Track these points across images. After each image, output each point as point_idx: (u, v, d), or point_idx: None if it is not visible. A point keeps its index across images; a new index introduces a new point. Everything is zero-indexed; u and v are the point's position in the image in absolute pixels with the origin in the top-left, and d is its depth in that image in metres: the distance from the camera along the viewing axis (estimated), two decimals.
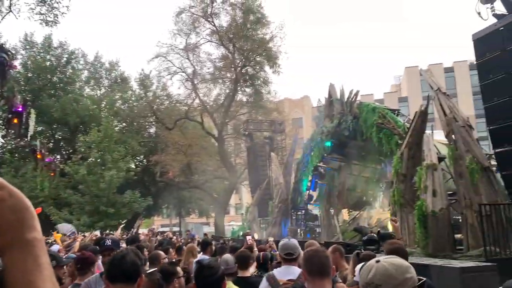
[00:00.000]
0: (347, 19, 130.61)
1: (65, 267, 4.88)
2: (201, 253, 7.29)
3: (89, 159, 28.28)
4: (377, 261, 1.66)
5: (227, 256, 6.46)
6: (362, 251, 4.72)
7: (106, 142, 27.38)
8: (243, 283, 4.49)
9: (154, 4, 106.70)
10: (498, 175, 10.66)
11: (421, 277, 1.95)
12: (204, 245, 6.92)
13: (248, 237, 7.17)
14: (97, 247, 6.25)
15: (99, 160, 27.62)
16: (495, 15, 9.36)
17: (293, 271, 4.08)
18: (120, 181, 26.76)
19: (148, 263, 4.89)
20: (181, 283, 4.13)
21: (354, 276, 3.89)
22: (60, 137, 36.47)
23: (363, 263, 3.86)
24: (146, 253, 6.09)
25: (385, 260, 1.67)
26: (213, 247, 7.69)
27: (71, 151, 33.59)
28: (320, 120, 18.64)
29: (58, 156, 34.61)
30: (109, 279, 2.23)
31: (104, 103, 35.69)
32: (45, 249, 0.78)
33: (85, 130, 31.56)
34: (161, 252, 5.34)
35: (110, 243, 5.23)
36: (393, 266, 1.64)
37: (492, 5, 9.52)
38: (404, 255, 3.84)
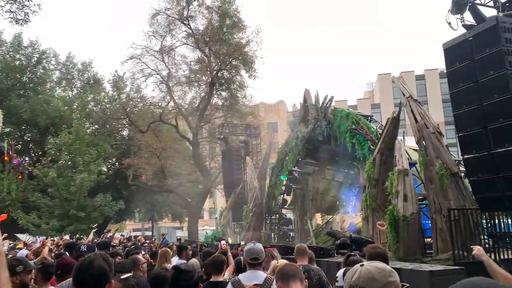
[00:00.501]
0: (324, 23, 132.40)
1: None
2: (177, 257, 7.21)
3: (59, 162, 27.57)
4: (361, 265, 1.71)
5: (193, 260, 6.44)
6: (357, 255, 4.77)
7: (77, 144, 26.76)
8: (215, 287, 4.47)
9: (128, 5, 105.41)
10: (466, 181, 10.98)
11: (404, 283, 2.01)
12: (180, 250, 6.84)
13: (222, 242, 7.13)
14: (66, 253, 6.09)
15: (69, 162, 26.97)
16: (464, 26, 9.65)
17: (259, 276, 4.10)
18: (91, 185, 26.18)
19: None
20: None
21: (337, 281, 3.93)
22: (29, 139, 35.47)
23: (344, 269, 3.91)
24: (118, 259, 5.98)
25: (370, 264, 1.72)
26: (190, 252, 7.63)
27: (40, 153, 32.70)
28: (295, 125, 18.78)
29: (27, 158, 33.64)
30: (76, 285, 2.17)
31: (76, 104, 34.92)
32: (5, 262, 0.76)
33: (56, 132, 30.78)
34: (140, 257, 5.27)
35: (85, 249, 5.10)
36: (376, 269, 1.69)
37: (462, 16, 9.82)
38: (386, 260, 3.91)
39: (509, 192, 8.61)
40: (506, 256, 9.92)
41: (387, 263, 2.89)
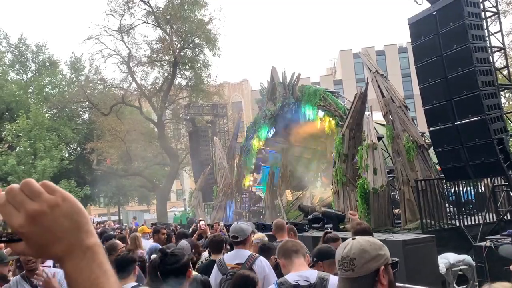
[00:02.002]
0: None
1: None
2: (151, 240, 7.13)
3: (18, 148, 26.44)
4: (353, 238, 1.79)
5: (183, 243, 6.38)
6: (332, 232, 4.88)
7: (36, 130, 25.69)
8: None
9: None
10: (430, 152, 11.39)
11: (394, 258, 2.08)
12: (154, 233, 6.74)
13: (202, 223, 7.11)
14: None
15: (29, 149, 25.90)
16: (429, 0, 9.84)
17: (242, 254, 4.09)
18: (54, 171, 25.35)
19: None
20: (138, 270, 4.03)
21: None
22: None
23: (324, 245, 3.97)
24: None
25: (361, 238, 1.79)
26: (163, 235, 7.53)
27: None
28: (263, 103, 18.74)
29: None
30: None
31: (32, 88, 33.35)
32: (105, 254, 0.72)
33: (12, 118, 29.38)
34: (118, 242, 5.17)
35: None
36: (368, 242, 1.76)
37: None
38: (371, 235, 4.03)
39: (472, 161, 9.02)
40: (468, 223, 10.46)
41: None
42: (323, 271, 3.06)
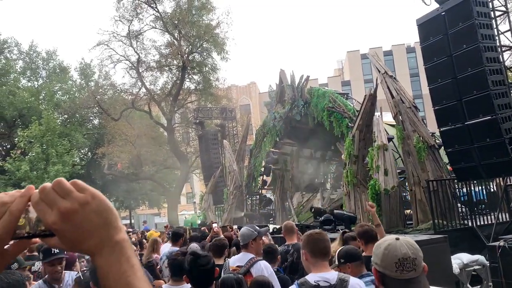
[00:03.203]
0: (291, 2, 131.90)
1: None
2: (170, 244, 7.19)
3: (30, 154, 26.76)
4: (397, 239, 1.79)
5: (194, 245, 6.46)
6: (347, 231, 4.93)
7: (48, 136, 26.01)
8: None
9: None
10: (441, 151, 11.36)
11: None
12: (177, 237, 6.76)
13: (214, 225, 7.19)
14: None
15: (41, 155, 26.21)
16: (437, 1, 9.84)
17: (244, 258, 4.21)
18: (66, 176, 25.61)
19: None
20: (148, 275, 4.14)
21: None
22: None
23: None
24: None
25: (403, 237, 1.83)
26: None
27: (8, 146, 31.63)
28: (271, 106, 18.79)
29: None
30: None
31: (43, 94, 33.78)
32: (133, 249, 0.78)
33: (24, 124, 29.76)
34: (132, 246, 5.23)
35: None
36: (412, 241, 1.81)
37: None
38: (375, 237, 4.06)
39: (484, 161, 8.99)
40: (481, 223, 10.42)
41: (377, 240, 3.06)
42: (350, 273, 3.12)
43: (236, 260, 4.28)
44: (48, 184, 0.74)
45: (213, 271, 2.85)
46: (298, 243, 5.10)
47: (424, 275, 1.75)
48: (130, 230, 15.65)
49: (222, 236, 7.03)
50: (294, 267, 4.67)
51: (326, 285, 2.74)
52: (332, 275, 2.81)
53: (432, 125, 11.87)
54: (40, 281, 3.79)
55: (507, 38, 10.03)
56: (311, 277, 2.80)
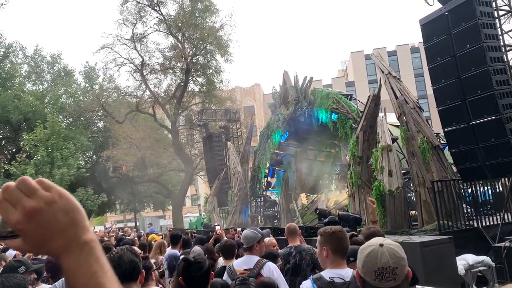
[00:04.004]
0: (293, 4, 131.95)
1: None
2: (170, 247, 7.22)
3: (35, 158, 26.87)
4: (381, 245, 1.72)
5: (197, 248, 6.46)
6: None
7: (53, 139, 26.12)
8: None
9: None
10: (446, 152, 11.31)
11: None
12: (175, 239, 6.81)
13: (217, 227, 7.19)
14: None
15: (46, 158, 26.31)
16: (440, 1, 9.81)
17: (250, 260, 4.18)
18: (71, 179, 25.72)
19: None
20: (156, 275, 4.13)
21: None
22: (1, 136, 34.42)
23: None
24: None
25: (387, 243, 1.74)
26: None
27: (14, 150, 31.80)
28: (275, 108, 18.78)
29: (1, 156, 32.73)
30: None
31: (48, 98, 33.95)
32: (102, 250, 0.76)
33: (29, 128, 29.91)
34: (137, 249, 5.26)
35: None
36: (397, 247, 1.73)
37: None
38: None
39: (489, 161, 8.94)
40: (486, 224, 10.34)
41: None
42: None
43: (242, 263, 4.25)
44: (12, 183, 0.72)
45: (207, 276, 2.83)
46: (300, 245, 5.06)
47: (406, 283, 1.70)
48: (137, 233, 15.62)
49: (225, 238, 7.04)
50: (297, 269, 4.64)
51: (341, 281, 2.75)
52: (347, 272, 2.82)
53: (437, 125, 11.81)
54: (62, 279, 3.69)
55: (511, 37, 9.98)
56: (326, 273, 2.82)
